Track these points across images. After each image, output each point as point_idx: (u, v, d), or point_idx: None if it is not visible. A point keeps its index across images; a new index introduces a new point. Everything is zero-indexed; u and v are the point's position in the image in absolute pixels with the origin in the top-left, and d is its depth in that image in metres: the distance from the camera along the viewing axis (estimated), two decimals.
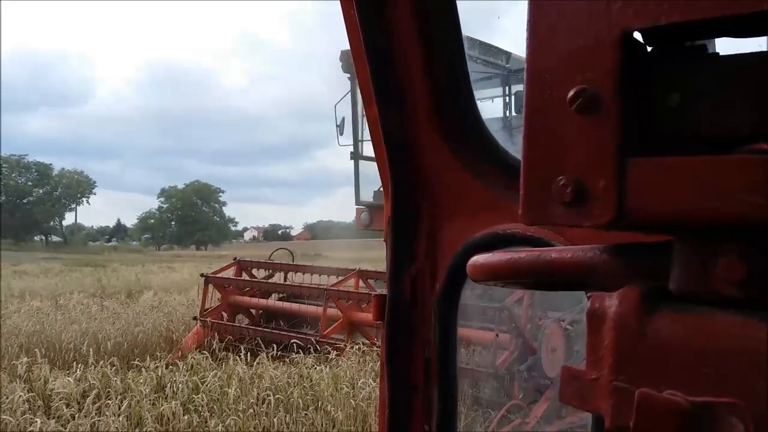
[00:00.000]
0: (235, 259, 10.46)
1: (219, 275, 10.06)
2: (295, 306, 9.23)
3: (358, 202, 12.49)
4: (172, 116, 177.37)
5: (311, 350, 7.66)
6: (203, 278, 9.78)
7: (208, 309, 9.52)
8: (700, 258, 0.48)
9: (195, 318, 9.51)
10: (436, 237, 1.25)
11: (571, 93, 0.51)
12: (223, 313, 9.62)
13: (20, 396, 6.04)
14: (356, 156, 12.36)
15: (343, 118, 12.26)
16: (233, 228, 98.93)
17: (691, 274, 0.49)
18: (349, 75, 11.92)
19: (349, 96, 12.13)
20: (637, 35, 0.52)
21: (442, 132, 1.20)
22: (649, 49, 0.54)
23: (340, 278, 9.30)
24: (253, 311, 10.04)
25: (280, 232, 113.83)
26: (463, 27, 1.22)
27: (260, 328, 9.12)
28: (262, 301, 9.80)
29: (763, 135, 0.46)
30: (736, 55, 0.51)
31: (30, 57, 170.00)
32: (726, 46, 0.55)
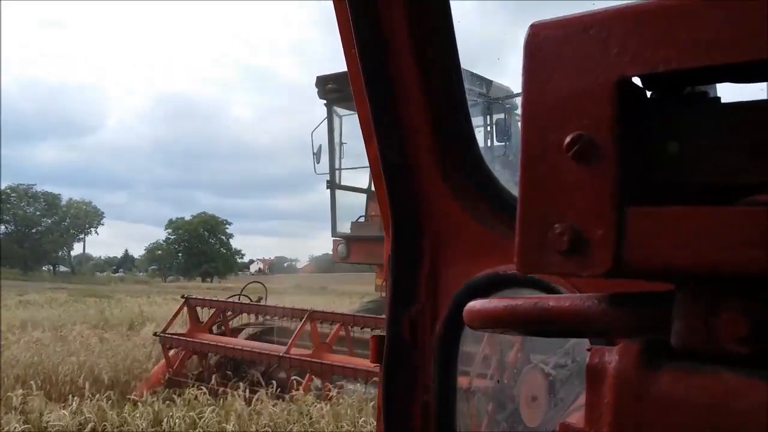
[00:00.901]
0: (182, 296, 9.65)
1: (171, 330, 9.05)
2: (264, 348, 8.24)
3: (334, 233, 11.95)
4: (181, 148, 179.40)
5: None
6: (158, 338, 8.88)
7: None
8: (702, 312, 0.46)
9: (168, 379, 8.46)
10: (437, 277, 1.23)
11: (567, 139, 0.49)
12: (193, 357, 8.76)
13: (16, 427, 5.96)
14: (333, 185, 11.80)
15: (320, 146, 11.70)
16: (240, 260, 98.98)
17: (693, 329, 0.47)
18: (325, 101, 11.54)
19: (325, 123, 11.67)
20: (637, 80, 0.52)
21: (443, 171, 1.19)
22: (648, 94, 0.53)
23: (297, 322, 8.16)
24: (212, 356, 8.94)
25: (285, 264, 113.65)
26: (467, 65, 1.23)
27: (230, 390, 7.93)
28: (227, 343, 8.73)
29: (766, 184, 0.45)
30: (737, 102, 0.50)
31: (40, 87, 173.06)
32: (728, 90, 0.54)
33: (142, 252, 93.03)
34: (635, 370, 0.46)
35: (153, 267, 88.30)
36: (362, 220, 12.09)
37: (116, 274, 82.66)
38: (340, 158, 11.88)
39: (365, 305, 11.11)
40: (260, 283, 11.48)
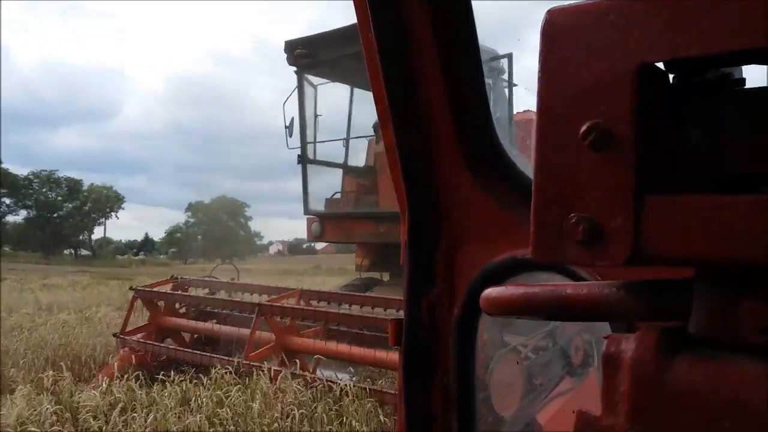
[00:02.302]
0: (172, 276, 9.56)
1: (153, 290, 8.95)
2: (233, 330, 8.02)
3: (306, 211, 11.01)
4: (199, 131, 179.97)
5: (234, 373, 6.88)
6: (132, 292, 8.77)
7: (132, 329, 8.52)
8: (722, 301, 0.46)
9: (115, 335, 8.38)
10: (455, 260, 1.23)
11: (583, 128, 0.49)
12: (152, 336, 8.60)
13: (47, 408, 6.13)
14: (304, 160, 10.74)
15: (293, 119, 10.55)
16: (259, 242, 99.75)
17: (713, 318, 0.47)
18: (295, 68, 10.34)
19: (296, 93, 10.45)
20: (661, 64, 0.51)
21: (461, 153, 1.19)
22: (671, 77, 0.52)
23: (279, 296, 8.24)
24: (186, 336, 8.95)
25: (304, 246, 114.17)
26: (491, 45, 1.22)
27: (182, 349, 8.03)
28: (192, 323, 8.67)
29: None
30: (764, 87, 0.49)
31: (61, 73, 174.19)
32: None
33: (162, 235, 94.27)
34: (652, 358, 0.46)
35: (173, 250, 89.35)
36: (338, 196, 11.28)
37: (137, 257, 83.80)
38: (315, 131, 10.76)
39: (345, 288, 10.57)
40: (232, 264, 11.51)
